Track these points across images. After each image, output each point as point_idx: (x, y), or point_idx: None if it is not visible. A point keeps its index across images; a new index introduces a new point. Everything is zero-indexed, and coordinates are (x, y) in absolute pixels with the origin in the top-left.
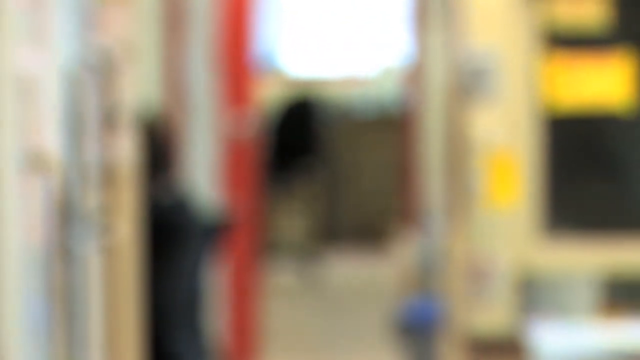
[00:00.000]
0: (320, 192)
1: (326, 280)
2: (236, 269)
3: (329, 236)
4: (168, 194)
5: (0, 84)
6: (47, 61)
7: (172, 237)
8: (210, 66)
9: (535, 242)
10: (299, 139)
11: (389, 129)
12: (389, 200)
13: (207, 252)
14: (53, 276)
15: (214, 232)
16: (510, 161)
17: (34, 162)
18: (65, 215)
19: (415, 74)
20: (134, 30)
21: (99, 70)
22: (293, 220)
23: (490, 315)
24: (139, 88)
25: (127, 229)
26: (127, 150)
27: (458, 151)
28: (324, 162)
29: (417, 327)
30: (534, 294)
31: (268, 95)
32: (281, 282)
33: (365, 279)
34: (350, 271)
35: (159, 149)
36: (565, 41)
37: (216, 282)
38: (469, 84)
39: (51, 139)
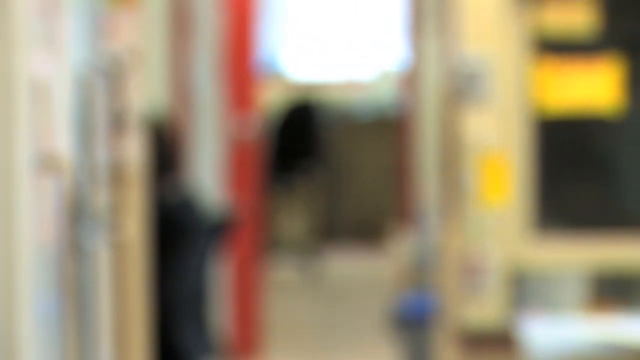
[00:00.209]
0: (320, 192)
1: (326, 275)
2: (240, 265)
3: (328, 234)
4: (175, 193)
5: (14, 88)
6: (59, 66)
7: (178, 235)
8: (215, 71)
9: (526, 240)
10: (300, 140)
11: (387, 131)
12: (386, 200)
13: (212, 248)
14: (64, 271)
15: (218, 230)
16: (502, 162)
17: (46, 163)
18: (76, 214)
19: (411, 79)
20: (142, 36)
21: (109, 75)
22: (294, 219)
23: (483, 309)
24: (146, 92)
25: (134, 226)
26: (135, 151)
27: (452, 152)
28: (324, 163)
29: (413, 320)
30: (524, 289)
31: (270, 98)
32: (283, 277)
33: (363, 275)
34: (349, 267)
35: (166, 150)
36: (554, 47)
37: (221, 277)
38: (462, 88)
39: (62, 140)
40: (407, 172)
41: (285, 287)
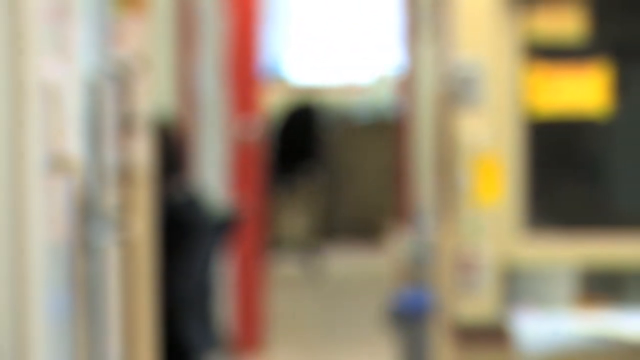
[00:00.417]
0: (320, 192)
1: (326, 272)
2: (243, 262)
3: (328, 232)
4: (181, 192)
5: (26, 92)
6: (69, 71)
7: (185, 233)
8: (220, 75)
9: (518, 238)
10: (301, 142)
11: (384, 133)
12: (383, 199)
13: (217, 246)
14: (75, 268)
15: (223, 228)
16: (495, 163)
17: (57, 164)
18: (86, 213)
19: (407, 83)
20: (150, 42)
21: (117, 79)
22: (296, 218)
23: (477, 304)
24: (154, 96)
25: (142, 225)
26: (142, 152)
27: (447, 154)
28: (324, 163)
29: (409, 315)
30: (516, 285)
31: (273, 101)
32: (285, 273)
33: (362, 271)
34: (349, 264)
35: (173, 151)
36: (545, 52)
37: (225, 273)
38: (457, 92)
39: (73, 142)
40: (404, 172)
41: (287, 283)
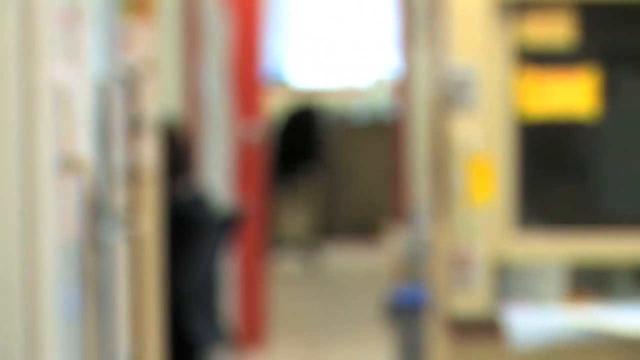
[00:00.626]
0: (320, 191)
1: (326, 269)
2: (246, 259)
3: (328, 230)
4: (187, 192)
5: (38, 95)
6: (80, 75)
7: (190, 230)
8: (224, 79)
9: (510, 236)
10: (302, 143)
11: (382, 135)
12: (381, 199)
13: (221, 243)
14: (85, 265)
15: (227, 226)
16: (488, 164)
17: (68, 164)
18: (96, 211)
19: (404, 87)
20: (157, 47)
21: (125, 83)
22: (296, 216)
23: (470, 299)
24: (160, 99)
25: (149, 223)
26: (149, 153)
27: (441, 155)
28: (323, 164)
29: (406, 310)
30: (508, 281)
31: (274, 104)
32: (286, 270)
33: (360, 268)
34: (347, 261)
35: (179, 152)
36: (536, 58)
37: (229, 270)
38: (451, 96)
39: (83, 143)
40: (400, 173)
41: (288, 279)
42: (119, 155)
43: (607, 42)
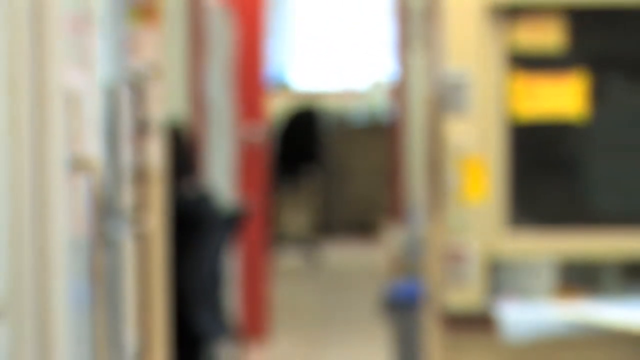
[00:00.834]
0: (320, 190)
1: (325, 264)
2: (249, 255)
3: (327, 228)
4: (192, 191)
5: (49, 98)
6: (89, 79)
7: (196, 228)
8: (228, 83)
9: (502, 233)
10: (303, 144)
11: (379, 135)
12: (378, 197)
13: (226, 240)
14: (94, 261)
15: (231, 224)
16: (480, 164)
17: (78, 164)
18: (104, 209)
19: (400, 89)
20: (163, 52)
21: (133, 87)
22: (297, 214)
23: (464, 294)
24: (166, 101)
25: (156, 220)
26: (156, 154)
27: (436, 155)
28: (323, 164)
29: (402, 304)
30: (500, 277)
31: (276, 107)
32: (287, 266)
33: (358, 264)
34: (346, 257)
35: (184, 153)
36: (527, 62)
37: (232, 266)
38: (445, 98)
39: (92, 144)
40: (397, 172)
41: (290, 275)
42: (126, 156)
43: (596, 48)
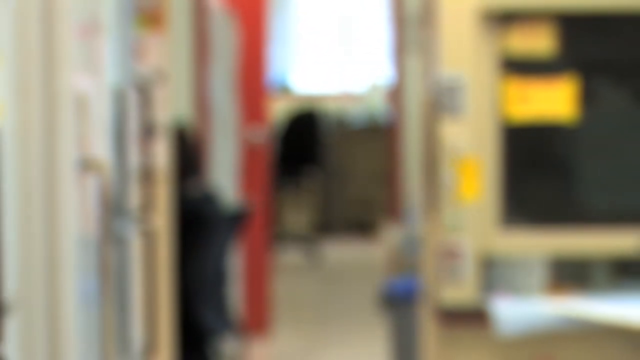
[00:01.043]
0: (320, 190)
1: (325, 261)
2: (252, 252)
3: (327, 226)
4: (198, 190)
5: (60, 102)
6: (98, 83)
7: (201, 226)
8: (231, 87)
9: (495, 231)
10: (303, 145)
11: (377, 137)
12: (376, 196)
13: (229, 238)
14: (102, 257)
15: (235, 222)
16: (475, 164)
17: (87, 165)
18: (112, 208)
19: (397, 92)
20: (169, 58)
21: (140, 90)
22: (298, 213)
23: (458, 290)
24: (172, 105)
25: (162, 219)
26: (162, 155)
27: (432, 156)
28: (323, 164)
29: (399, 300)
30: (493, 274)
31: (278, 109)
32: (289, 263)
33: (357, 261)
34: (345, 254)
35: (190, 154)
36: (519, 67)
37: (236, 262)
38: (440, 101)
39: (101, 146)
40: (394, 172)
41: (291, 271)
42: (133, 157)
43: (586, 53)
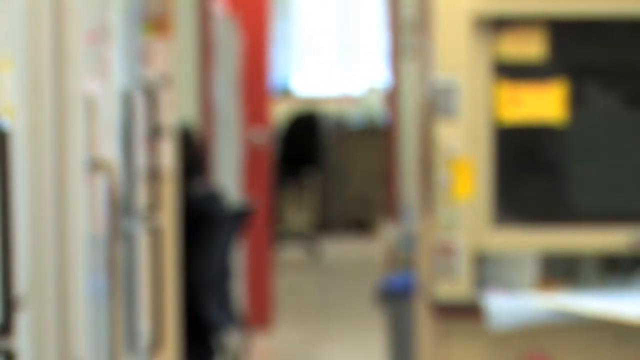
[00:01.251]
0: (320, 189)
1: (325, 258)
2: (254, 250)
3: (327, 224)
4: (203, 190)
5: (70, 105)
6: (107, 86)
7: (206, 224)
8: (235, 90)
9: (488, 229)
10: (303, 146)
11: (375, 138)
12: (374, 196)
13: (233, 235)
14: (111, 254)
15: (238, 220)
16: (468, 165)
17: (96, 166)
18: (121, 207)
19: (394, 95)
20: (175, 62)
21: (147, 94)
22: (299, 212)
23: (453, 285)
24: (178, 108)
25: (168, 217)
26: (168, 156)
27: (427, 156)
28: (323, 164)
29: (396, 295)
30: (486, 270)
31: (279, 111)
32: (290, 259)
33: (356, 258)
34: (345, 252)
35: (195, 155)
36: (511, 71)
37: (239, 259)
38: (435, 104)
39: (109, 147)
40: (392, 172)
41: (292, 268)
42: (140, 158)
43: (574, 58)
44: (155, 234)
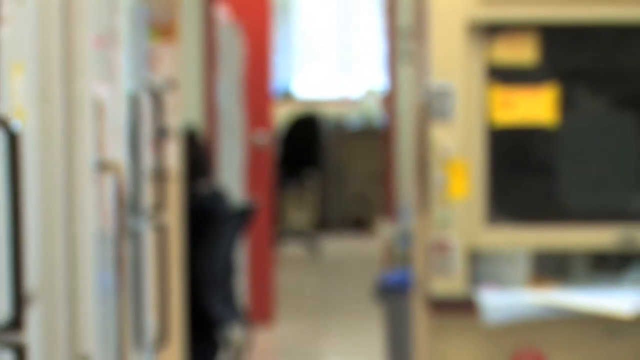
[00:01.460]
0: (320, 189)
1: (325, 256)
2: (257, 247)
3: (327, 222)
4: (207, 189)
5: (79, 107)
6: (114, 90)
7: (210, 222)
8: (238, 93)
9: (481, 227)
10: (304, 147)
11: (373, 139)
12: (372, 196)
13: (237, 233)
14: (119, 252)
15: (241, 219)
16: (463, 165)
17: (104, 166)
18: (128, 206)
19: (391, 98)
20: (180, 66)
21: (153, 96)
22: (300, 211)
23: (448, 282)
24: (183, 110)
25: (173, 215)
26: (173, 156)
27: (423, 157)
28: (323, 165)
29: (394, 291)
30: (480, 267)
31: (280, 114)
32: (291, 256)
33: (354, 255)
34: (344, 249)
35: (199, 156)
36: (504, 75)
37: (242, 256)
38: (431, 106)
39: (117, 148)
40: (389, 173)
41: (293, 265)
42: (147, 158)
43: (566, 63)
44: (161, 232)
